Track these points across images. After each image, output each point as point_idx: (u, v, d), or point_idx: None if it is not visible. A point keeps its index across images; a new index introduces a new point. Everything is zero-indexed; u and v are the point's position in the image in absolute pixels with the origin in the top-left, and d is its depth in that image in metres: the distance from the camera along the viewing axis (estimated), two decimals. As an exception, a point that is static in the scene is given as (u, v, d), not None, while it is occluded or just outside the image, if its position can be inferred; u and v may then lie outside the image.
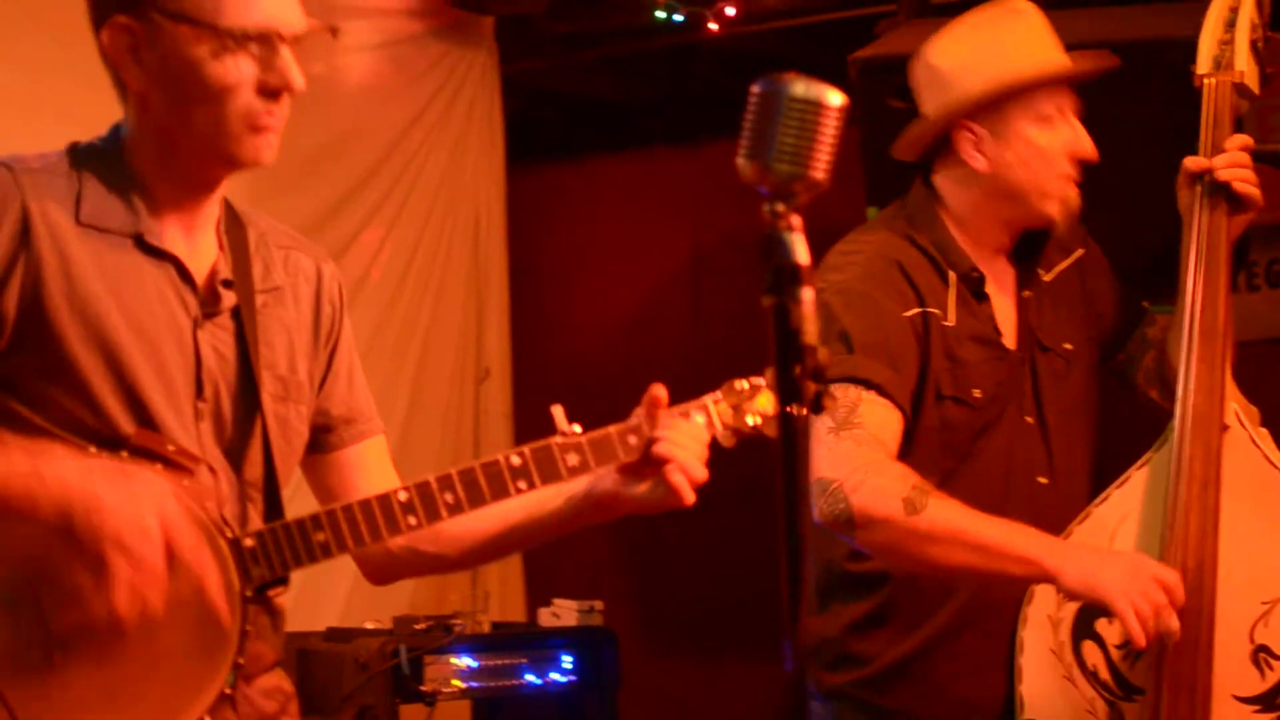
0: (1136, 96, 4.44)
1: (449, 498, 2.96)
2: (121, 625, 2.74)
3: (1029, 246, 4.09)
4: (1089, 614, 3.74)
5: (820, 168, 2.35)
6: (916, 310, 3.93)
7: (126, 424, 2.85)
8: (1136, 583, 3.54)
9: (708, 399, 3.11)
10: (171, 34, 2.83)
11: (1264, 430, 3.77)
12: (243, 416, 2.98)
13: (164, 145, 2.91)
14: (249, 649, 2.91)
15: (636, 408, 3.10)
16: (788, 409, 2.29)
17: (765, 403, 3.10)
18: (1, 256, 2.80)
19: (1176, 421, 3.72)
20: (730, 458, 3.21)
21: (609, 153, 8.08)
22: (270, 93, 2.86)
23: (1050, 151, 3.94)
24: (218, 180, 2.98)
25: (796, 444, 2.30)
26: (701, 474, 3.07)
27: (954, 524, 3.69)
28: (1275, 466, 3.70)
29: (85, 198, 2.88)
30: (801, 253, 2.33)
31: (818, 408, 2.30)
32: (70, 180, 2.89)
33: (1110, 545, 3.75)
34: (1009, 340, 4.04)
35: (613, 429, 3.05)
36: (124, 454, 2.82)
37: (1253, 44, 3.88)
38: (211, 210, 3.01)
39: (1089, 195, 4.04)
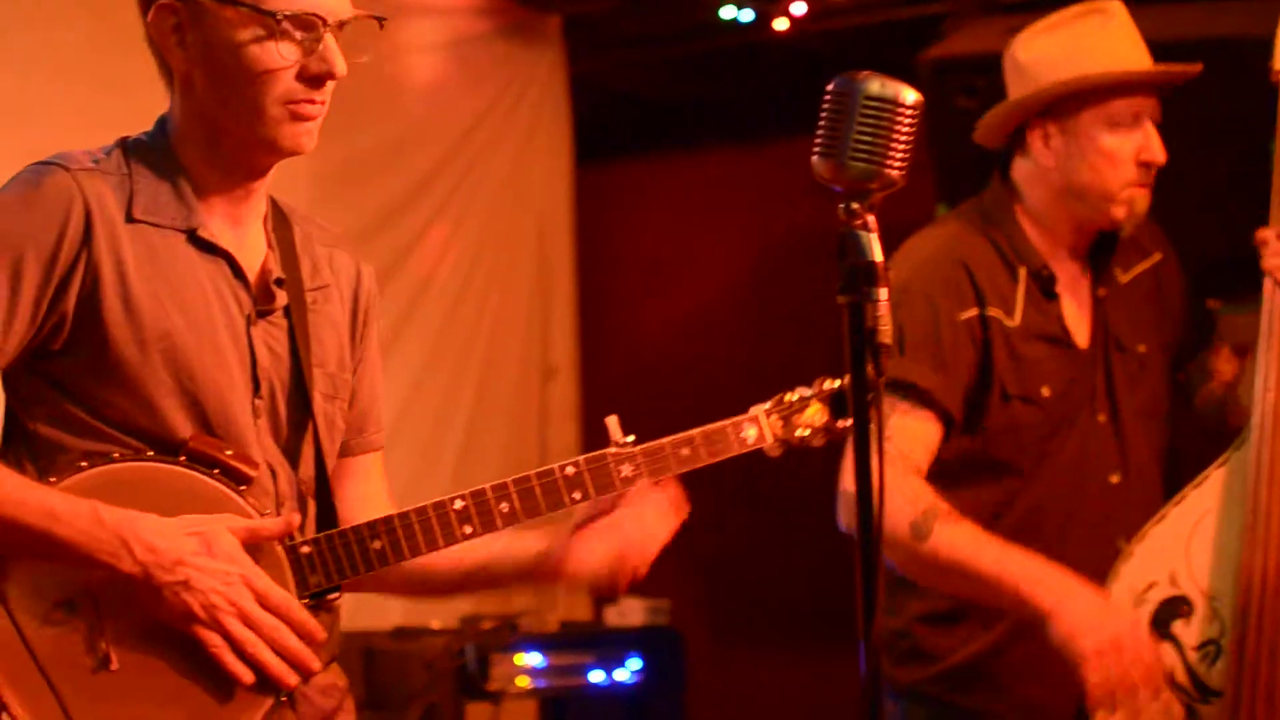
0: (1214, 93, 4.40)
1: (504, 507, 2.94)
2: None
3: (1106, 245, 4.07)
4: (1166, 616, 3.71)
5: (896, 166, 2.36)
6: (974, 312, 3.90)
7: (185, 425, 2.83)
8: (1118, 657, 3.53)
9: (758, 412, 3.07)
10: (215, 15, 2.80)
11: None
12: (296, 415, 2.96)
13: (208, 130, 2.87)
14: None
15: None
16: (862, 407, 2.28)
17: (814, 414, 3.08)
18: (65, 258, 2.77)
19: (1255, 421, 3.67)
20: (800, 455, 3.19)
21: (676, 152, 8.08)
22: (312, 79, 2.83)
23: (1118, 155, 3.91)
24: (262, 169, 2.94)
25: (869, 443, 2.30)
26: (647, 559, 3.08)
27: (955, 554, 3.68)
28: None
29: (138, 193, 2.85)
30: (877, 251, 2.33)
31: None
32: (122, 177, 2.85)
33: (1188, 546, 3.71)
34: (1080, 339, 4.01)
35: (666, 441, 3.02)
36: (182, 459, 2.80)
37: None
38: (258, 204, 2.97)
39: (1164, 191, 4.02)
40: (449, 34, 6.95)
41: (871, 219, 2.35)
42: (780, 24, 6.90)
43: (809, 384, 3.11)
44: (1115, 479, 4.01)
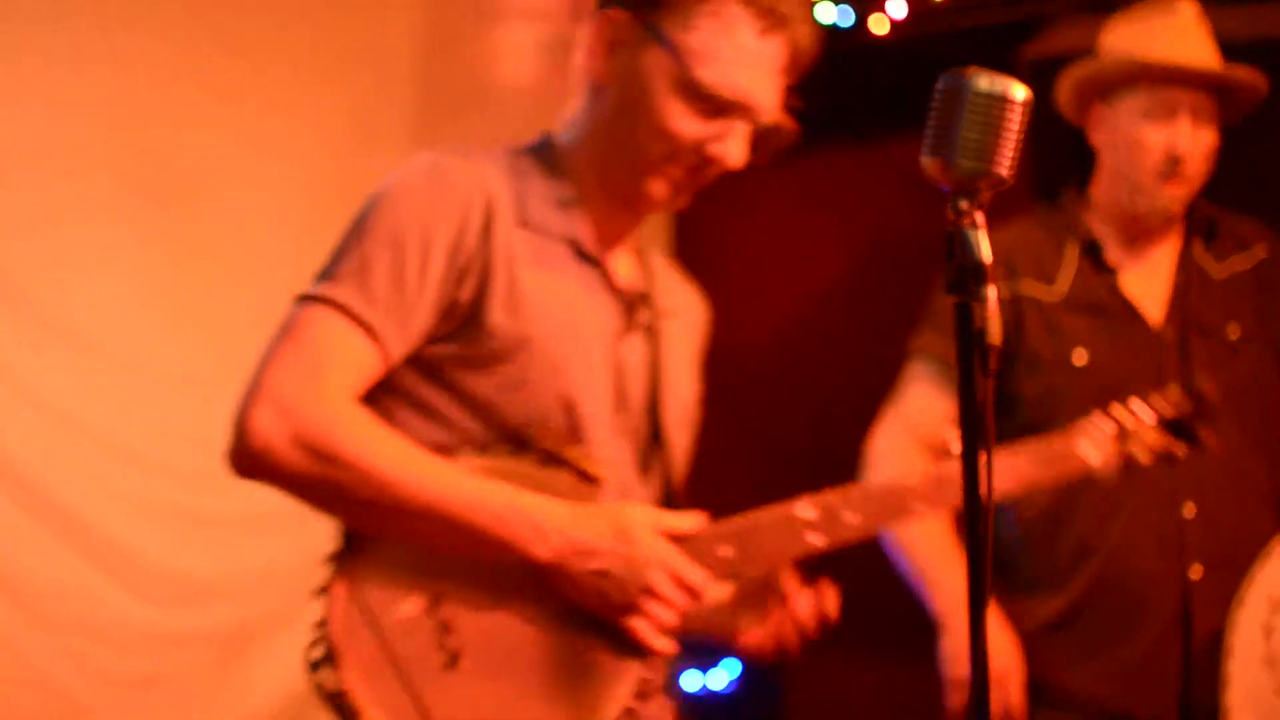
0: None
1: (851, 518, 2.94)
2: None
3: (1202, 231, 4.11)
4: None
5: (1005, 163, 2.35)
6: (1002, 285, 3.93)
7: (549, 427, 2.80)
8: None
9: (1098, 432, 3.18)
10: (651, 52, 2.79)
11: None
12: (649, 436, 2.95)
13: (602, 144, 2.87)
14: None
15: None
16: (970, 410, 2.26)
17: (1151, 437, 3.19)
18: (467, 248, 2.76)
19: None
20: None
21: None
22: (703, 157, 2.83)
23: (1145, 145, 3.99)
24: (641, 206, 2.94)
25: (979, 450, 2.28)
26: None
27: (906, 546, 3.92)
28: None
29: (529, 199, 2.84)
30: (986, 250, 2.32)
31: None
32: (512, 180, 2.85)
33: None
34: (1152, 316, 4.03)
35: (1004, 453, 3.05)
36: (533, 458, 2.78)
37: None
38: (632, 231, 2.99)
39: (1240, 198, 4.04)
40: (549, 35, 6.95)
41: (980, 217, 2.34)
42: (879, 26, 6.87)
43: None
44: (1189, 513, 3.98)
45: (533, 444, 2.78)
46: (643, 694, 2.88)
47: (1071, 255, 4.03)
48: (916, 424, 4.00)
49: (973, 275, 2.30)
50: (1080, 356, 3.96)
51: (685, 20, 2.79)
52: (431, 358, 2.78)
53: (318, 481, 2.67)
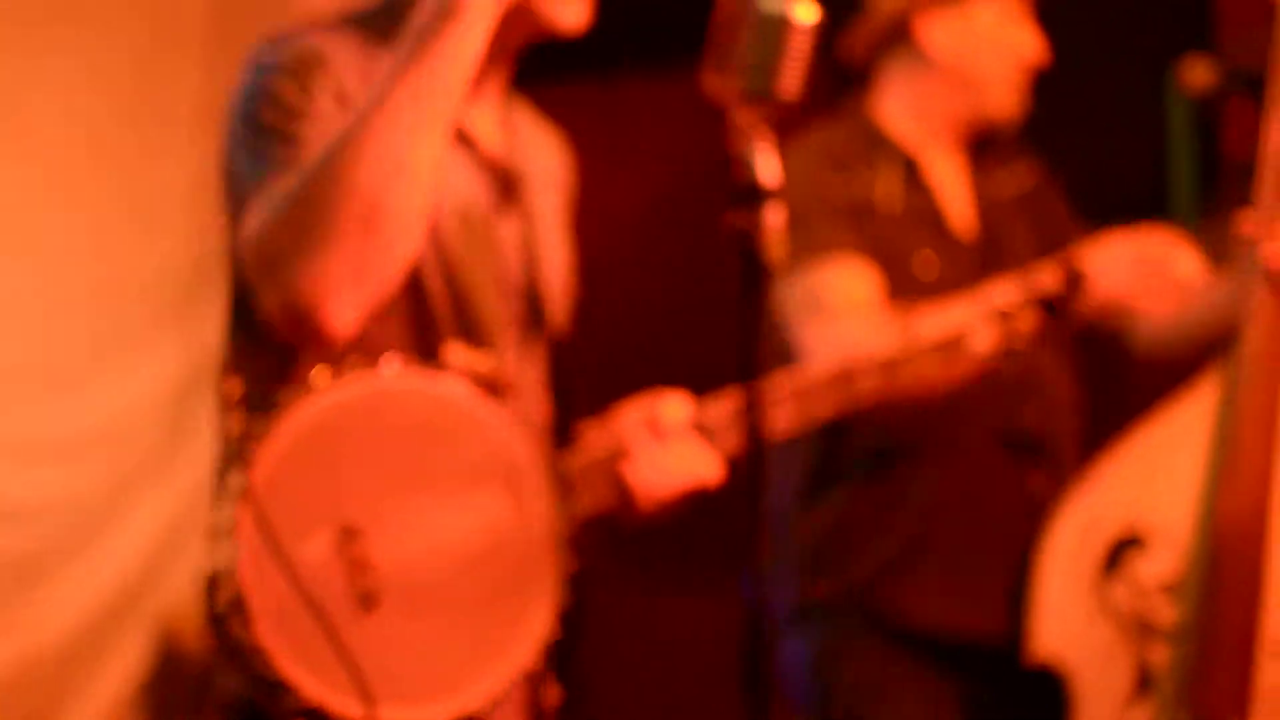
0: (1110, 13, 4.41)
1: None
2: None
3: (983, 153, 4.08)
4: (1119, 552, 3.69)
5: (790, 83, 2.33)
6: (849, 183, 3.91)
7: (442, 326, 2.65)
8: None
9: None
10: None
11: None
12: (530, 323, 2.81)
13: None
14: None
15: None
16: (750, 317, 2.27)
17: (1026, 319, 3.12)
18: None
19: (1237, 360, 3.57)
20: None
21: (581, 80, 8.02)
22: None
23: (1006, 48, 3.95)
24: (521, 50, 2.77)
25: (754, 367, 2.29)
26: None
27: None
28: None
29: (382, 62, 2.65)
30: (768, 170, 2.31)
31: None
32: (364, 51, 2.68)
33: (1151, 481, 3.69)
34: (964, 234, 4.01)
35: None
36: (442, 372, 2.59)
37: None
38: (501, 82, 2.81)
39: (1061, 125, 4.03)
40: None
41: (763, 137, 2.33)
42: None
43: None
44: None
45: (435, 355, 2.62)
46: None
47: (888, 171, 3.99)
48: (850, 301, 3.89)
49: (754, 196, 2.30)
50: (924, 273, 3.95)
51: None
52: None
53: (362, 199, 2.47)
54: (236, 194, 2.63)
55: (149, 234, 5.09)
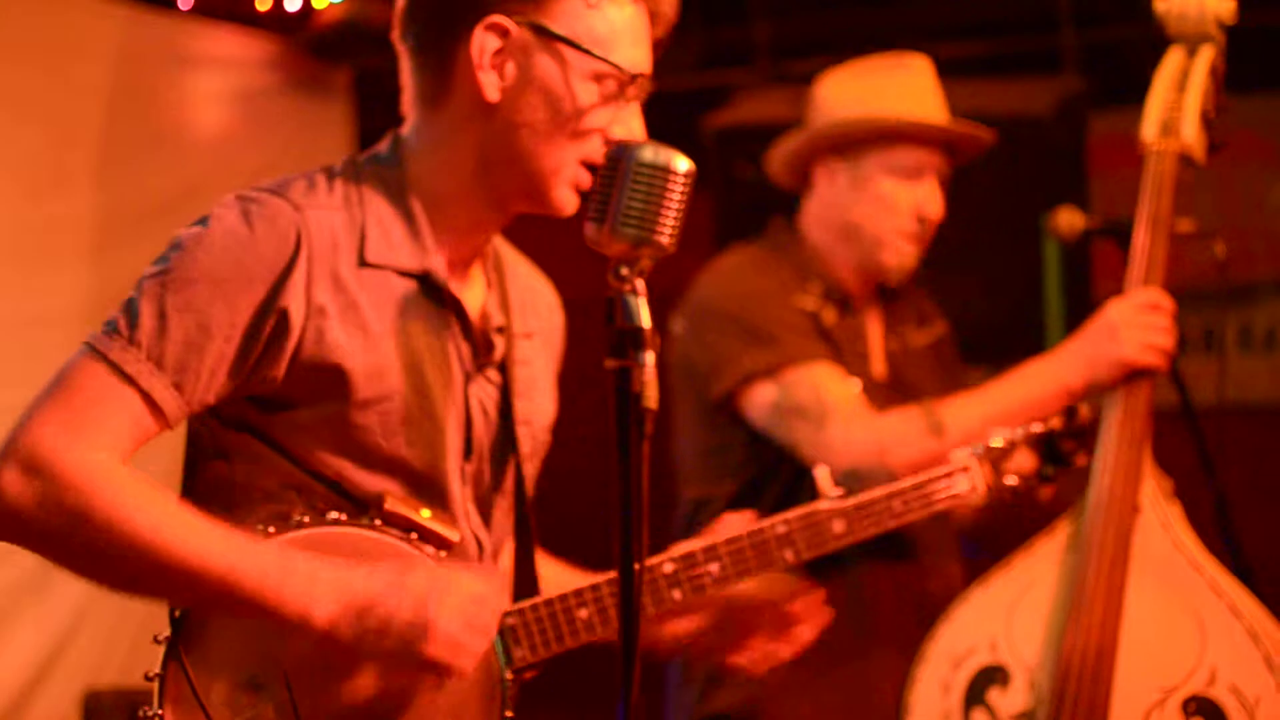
0: (990, 165, 4.50)
1: (714, 569, 2.83)
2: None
3: (892, 300, 4.13)
4: (983, 683, 3.72)
5: (667, 233, 2.38)
6: (798, 302, 3.95)
7: (391, 486, 2.65)
8: None
9: (968, 460, 3.02)
10: (555, 55, 2.65)
11: (1176, 506, 3.72)
12: (497, 475, 2.81)
13: (483, 168, 2.69)
14: None
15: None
16: (627, 470, 2.29)
17: (1022, 460, 3.05)
18: (282, 306, 2.56)
19: (1090, 499, 3.66)
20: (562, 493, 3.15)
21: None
22: (611, 143, 2.62)
23: (895, 203, 3.97)
24: (508, 217, 2.77)
25: (634, 505, 2.31)
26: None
27: (976, 414, 3.70)
28: (1182, 552, 3.64)
29: (370, 232, 2.66)
30: (646, 317, 2.34)
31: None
32: (352, 210, 2.66)
33: (1011, 614, 3.68)
34: (877, 371, 4.06)
35: (879, 493, 2.95)
36: (377, 521, 2.61)
37: (1204, 113, 3.79)
38: (487, 248, 2.82)
39: (940, 259, 4.10)
40: (239, 85, 6.92)
41: (641, 284, 2.36)
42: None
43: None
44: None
45: (372, 509, 2.63)
46: None
47: (817, 298, 4.00)
48: (854, 402, 3.88)
49: (632, 340, 2.32)
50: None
51: (567, 11, 2.66)
52: (263, 421, 2.63)
53: (71, 543, 2.48)
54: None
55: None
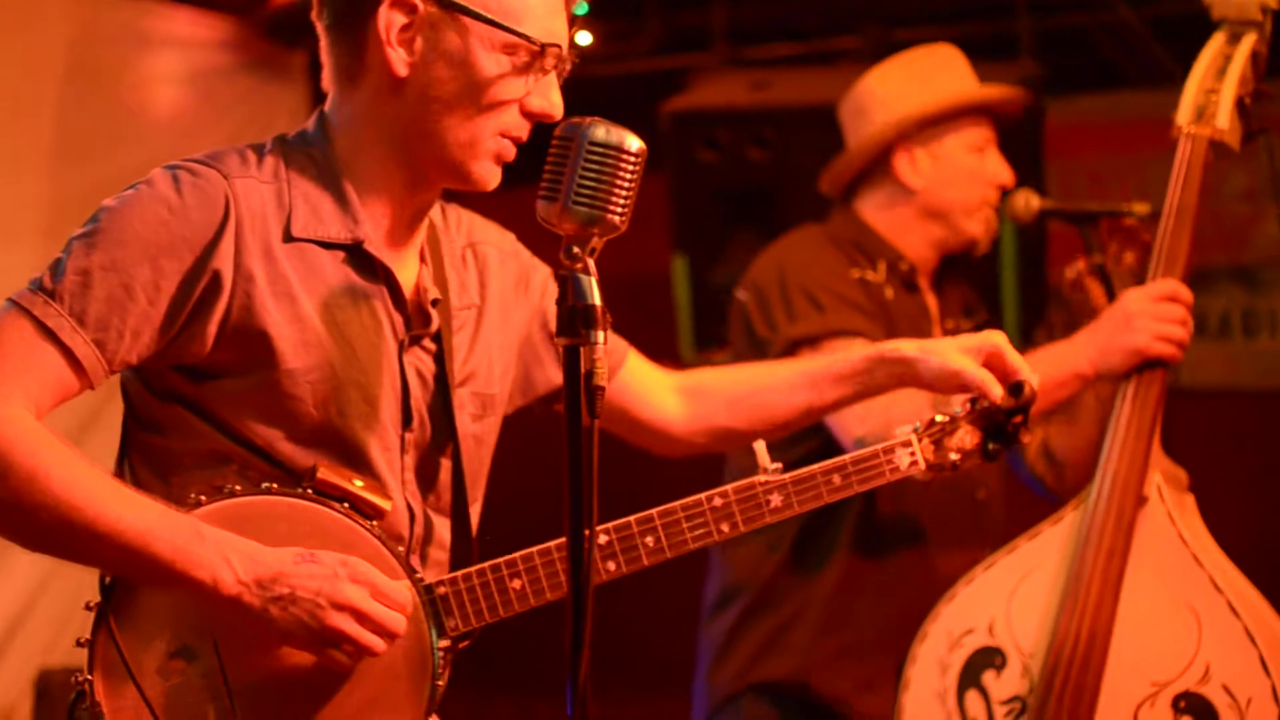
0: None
1: (650, 541, 2.82)
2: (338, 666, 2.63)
3: (943, 293, 4.28)
4: (979, 664, 3.74)
5: (618, 212, 2.40)
6: (858, 273, 4.10)
7: (323, 456, 2.68)
8: None
9: (909, 435, 3.04)
10: (463, 29, 2.65)
11: (1189, 498, 3.76)
12: (439, 442, 2.82)
13: (400, 141, 2.71)
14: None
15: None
16: (577, 448, 2.30)
17: (964, 437, 3.05)
18: (211, 272, 2.59)
19: (1095, 486, 3.70)
20: (527, 476, 3.17)
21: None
22: (529, 115, 2.71)
23: (981, 176, 4.16)
24: (436, 193, 2.80)
25: (584, 482, 2.32)
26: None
27: None
28: (1187, 545, 3.66)
29: (296, 207, 2.68)
30: (596, 294, 2.36)
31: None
32: (280, 185, 2.69)
33: (1011, 598, 3.72)
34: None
35: (816, 468, 2.96)
36: (308, 491, 2.64)
37: (1239, 99, 3.81)
38: (421, 223, 2.82)
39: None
40: (193, 66, 6.89)
41: (592, 263, 2.38)
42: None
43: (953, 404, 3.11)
44: (981, 494, 4.16)
45: (304, 478, 2.66)
46: None
47: (882, 270, 4.15)
48: None
49: (583, 318, 2.34)
50: None
51: None
52: (195, 391, 2.66)
53: None
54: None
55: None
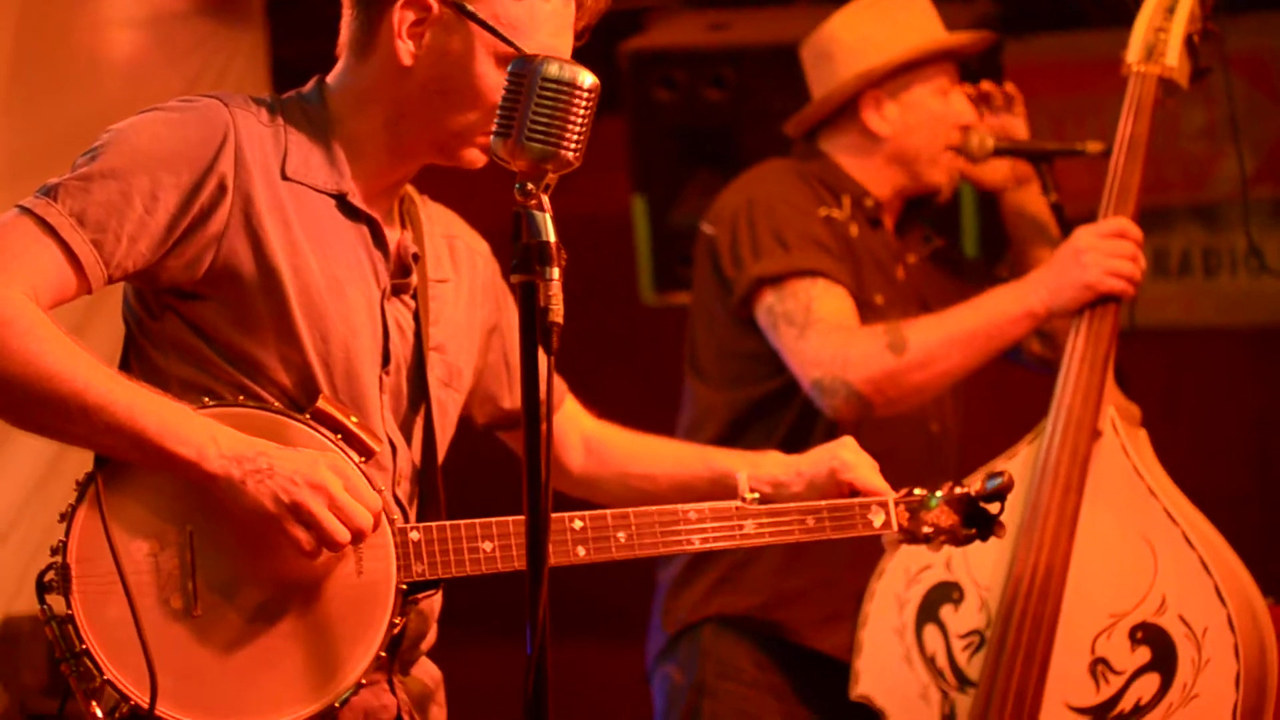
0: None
1: (621, 536, 2.89)
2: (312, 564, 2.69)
3: (902, 228, 4.32)
4: (936, 599, 3.77)
5: (572, 147, 2.42)
6: (825, 211, 4.13)
7: (313, 385, 2.77)
8: None
9: (888, 498, 3.10)
10: (470, 34, 2.78)
11: (1141, 432, 3.79)
12: (413, 396, 2.92)
13: (394, 118, 2.85)
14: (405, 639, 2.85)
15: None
16: (532, 385, 2.31)
17: (939, 515, 3.10)
18: (210, 189, 2.71)
19: (1050, 421, 3.74)
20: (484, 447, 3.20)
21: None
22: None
23: (946, 119, 4.18)
24: (419, 167, 2.93)
25: (541, 418, 2.34)
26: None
27: (938, 335, 3.89)
28: (1142, 478, 3.69)
29: (291, 151, 2.81)
30: (551, 231, 2.38)
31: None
32: (277, 129, 2.83)
33: None
34: (898, 280, 4.23)
35: (794, 506, 3.03)
36: (307, 417, 2.73)
37: (1188, 37, 3.87)
38: (400, 191, 2.96)
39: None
40: (149, 9, 6.85)
41: (546, 199, 2.41)
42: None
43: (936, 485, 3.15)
44: (935, 428, 4.20)
45: (305, 406, 2.75)
46: (380, 667, 2.81)
47: (847, 206, 4.18)
48: (842, 320, 4.03)
49: (538, 255, 2.37)
50: (879, 297, 4.09)
51: None
52: (195, 313, 2.75)
53: None
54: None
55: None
